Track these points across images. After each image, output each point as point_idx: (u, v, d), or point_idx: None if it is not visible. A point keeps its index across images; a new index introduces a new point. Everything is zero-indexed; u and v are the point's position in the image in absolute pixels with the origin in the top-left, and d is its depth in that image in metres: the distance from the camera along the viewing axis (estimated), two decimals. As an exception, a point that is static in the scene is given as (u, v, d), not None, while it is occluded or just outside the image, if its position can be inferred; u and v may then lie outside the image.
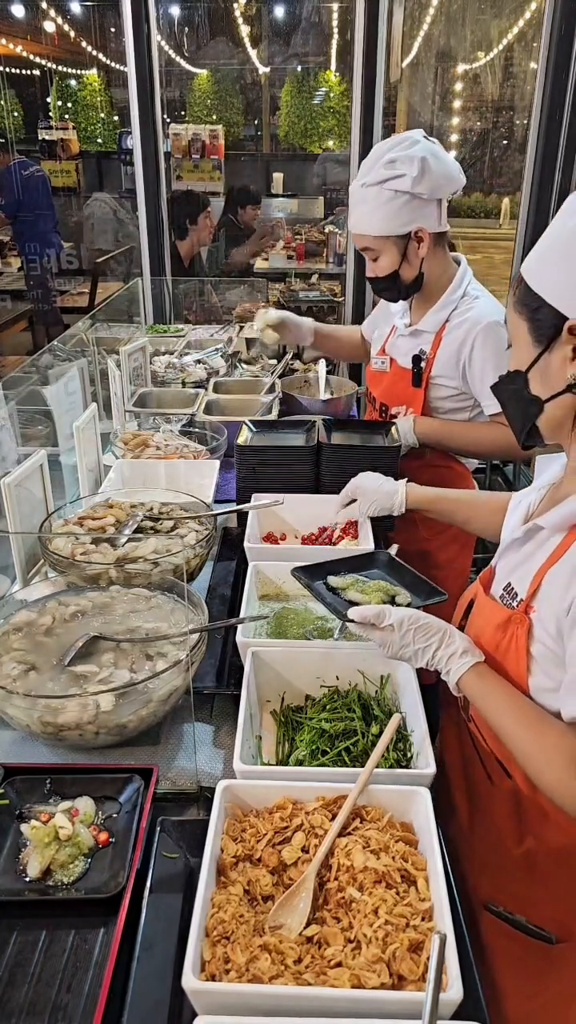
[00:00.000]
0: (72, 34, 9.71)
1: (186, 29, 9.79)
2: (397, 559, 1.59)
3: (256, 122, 11.02)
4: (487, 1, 9.65)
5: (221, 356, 3.24)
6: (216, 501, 2.03)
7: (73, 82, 10.85)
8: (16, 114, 10.24)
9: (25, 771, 1.24)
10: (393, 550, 1.64)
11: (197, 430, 2.42)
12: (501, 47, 10.04)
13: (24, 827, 1.14)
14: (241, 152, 10.55)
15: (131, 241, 6.48)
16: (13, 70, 10.08)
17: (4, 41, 9.39)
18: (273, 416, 2.56)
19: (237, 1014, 0.85)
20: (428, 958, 0.88)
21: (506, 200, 12.80)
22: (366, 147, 3.30)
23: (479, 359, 2.09)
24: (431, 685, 1.37)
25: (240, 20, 9.37)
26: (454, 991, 0.85)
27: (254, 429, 2.18)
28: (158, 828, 1.15)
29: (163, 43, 8.22)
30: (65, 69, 10.67)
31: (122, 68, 4.75)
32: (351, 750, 1.26)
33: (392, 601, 1.43)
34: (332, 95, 10.12)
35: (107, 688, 1.29)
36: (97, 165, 10.37)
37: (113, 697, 1.26)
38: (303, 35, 9.75)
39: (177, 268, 4.43)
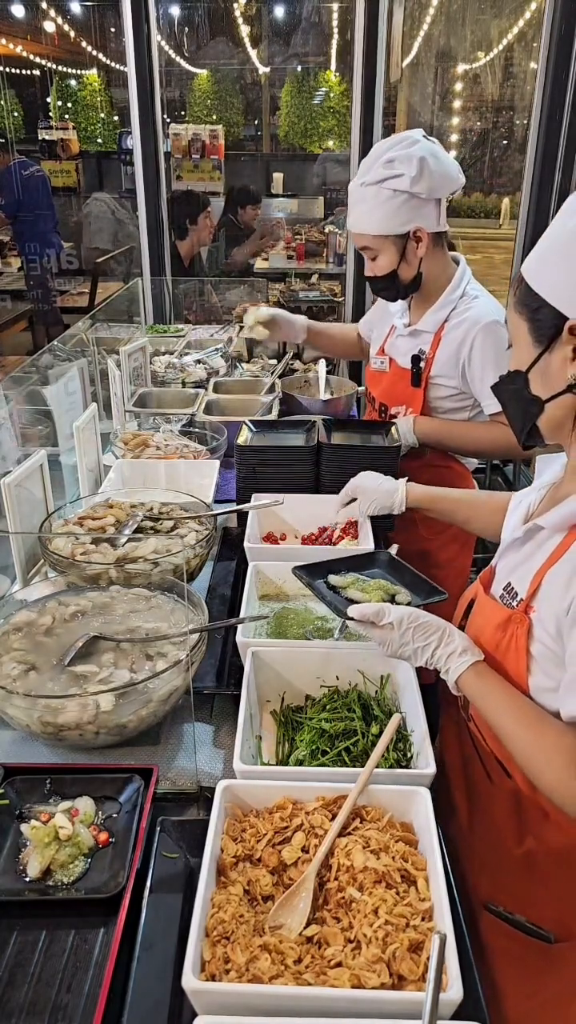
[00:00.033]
0: (72, 34, 9.71)
1: (186, 29, 9.79)
2: (398, 558, 1.60)
3: (256, 122, 11.02)
4: (487, 1, 9.66)
5: (221, 356, 3.24)
6: (216, 501, 2.03)
7: (73, 82, 10.85)
8: (16, 114, 10.24)
9: (25, 771, 1.24)
10: (393, 550, 1.64)
11: (197, 430, 2.42)
12: (501, 47, 10.05)
13: (24, 827, 1.14)
14: (241, 152, 10.55)
15: (129, 240, 6.48)
16: (13, 70, 10.08)
17: (4, 41, 9.39)
18: (273, 416, 2.56)
19: (237, 1014, 0.85)
20: (428, 958, 0.88)
21: (506, 200, 12.82)
22: (366, 147, 3.30)
23: (478, 359, 2.09)
24: (431, 685, 1.37)
25: (240, 20, 9.37)
26: (454, 991, 0.85)
27: (254, 429, 2.18)
28: (158, 828, 1.15)
29: (163, 43, 8.22)
30: (65, 69, 10.67)
31: (122, 68, 4.75)
32: (351, 750, 1.26)
33: (392, 600, 1.44)
34: (332, 95, 10.12)
35: (107, 688, 1.29)
36: (97, 165, 10.37)
37: (113, 697, 1.26)
38: (303, 35, 9.75)
39: (177, 268, 4.43)
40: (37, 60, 10.07)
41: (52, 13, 9.23)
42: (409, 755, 1.26)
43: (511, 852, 1.28)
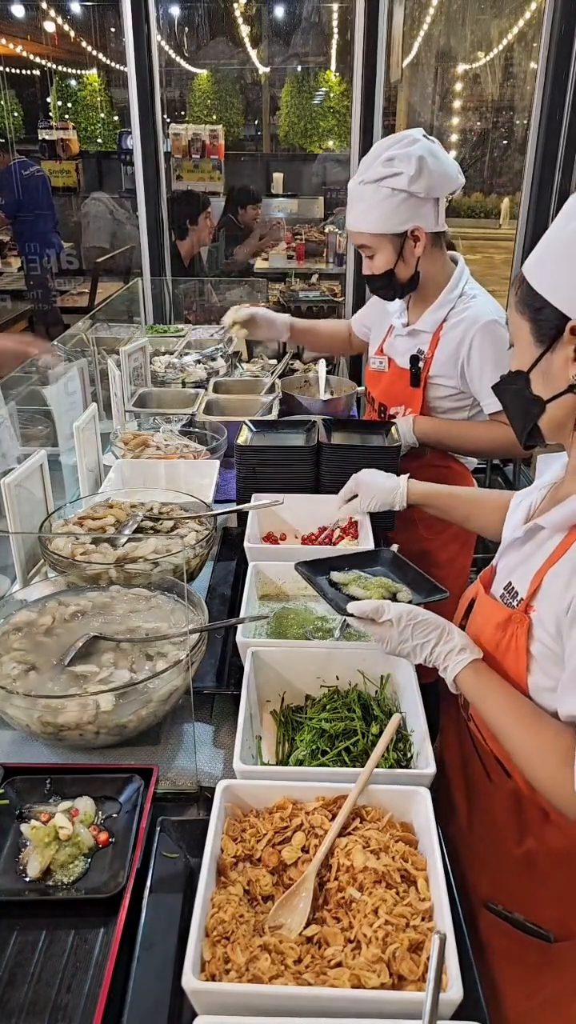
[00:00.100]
0: (72, 34, 9.71)
1: (186, 29, 9.79)
2: (401, 557, 1.59)
3: (256, 122, 11.02)
4: (487, 1, 9.66)
5: (221, 356, 3.24)
6: (216, 501, 2.03)
7: (73, 82, 10.85)
8: (16, 114, 10.23)
9: (25, 771, 1.24)
10: (393, 549, 1.64)
11: (197, 430, 2.42)
12: (501, 47, 10.06)
13: (24, 827, 1.14)
14: (241, 152, 10.55)
15: (127, 240, 6.48)
16: (13, 70, 10.08)
17: (4, 41, 9.39)
18: (273, 416, 2.56)
19: (237, 1014, 0.85)
20: (428, 958, 0.88)
21: (506, 200, 12.82)
22: (366, 147, 3.29)
23: (477, 358, 2.09)
24: (431, 684, 1.37)
25: (240, 20, 9.37)
26: (454, 991, 0.85)
27: (254, 429, 2.18)
28: (158, 828, 1.15)
29: (163, 43, 8.22)
30: (65, 69, 10.67)
31: (122, 68, 4.75)
32: (351, 750, 1.26)
33: (393, 598, 1.43)
34: (332, 95, 10.12)
35: (107, 688, 1.29)
36: (97, 165, 10.36)
37: (113, 697, 1.26)
38: (303, 35, 9.75)
39: (177, 268, 4.43)
40: (37, 60, 10.07)
41: (52, 13, 9.22)
42: (409, 755, 1.26)
43: (511, 852, 1.28)
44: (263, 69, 10.37)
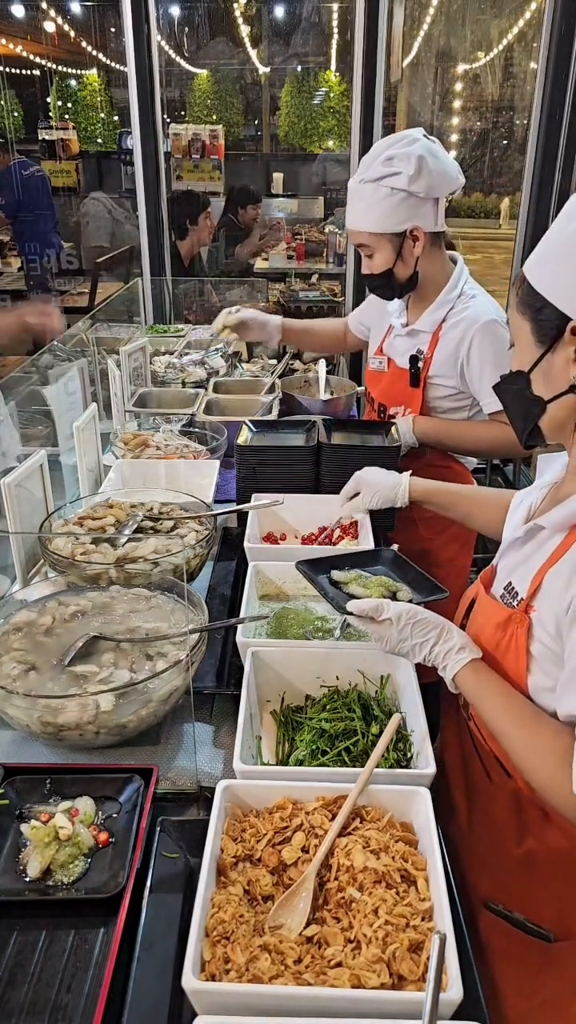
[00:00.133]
0: (72, 34, 9.72)
1: (186, 29, 9.80)
2: (402, 556, 1.59)
3: (256, 122, 11.03)
4: (487, 1, 9.66)
5: (221, 356, 3.24)
6: (216, 501, 2.03)
7: (73, 82, 10.86)
8: (16, 114, 10.24)
9: (25, 771, 1.24)
10: (394, 549, 1.64)
11: (197, 430, 2.42)
12: (501, 47, 10.07)
13: (24, 827, 1.14)
14: (241, 152, 10.56)
15: (126, 240, 6.48)
16: (13, 70, 10.08)
17: (4, 41, 9.39)
18: (273, 416, 2.56)
19: (237, 1014, 0.85)
20: (428, 958, 0.88)
21: (506, 200, 12.83)
22: (366, 147, 3.29)
23: (477, 358, 2.09)
24: (431, 684, 1.37)
25: (240, 20, 9.38)
26: (454, 991, 0.85)
27: (254, 429, 2.18)
28: (158, 828, 1.15)
29: (163, 43, 8.22)
30: (65, 69, 10.68)
31: (122, 68, 4.75)
32: (351, 750, 1.26)
33: (393, 597, 1.43)
34: (332, 95, 10.12)
35: (107, 688, 1.29)
36: (97, 165, 10.37)
37: (113, 697, 1.26)
38: (303, 35, 9.76)
39: (177, 268, 4.43)
40: (37, 60, 10.07)
41: (52, 13, 9.23)
42: (409, 755, 1.26)
43: (511, 852, 1.28)
44: (263, 69, 10.38)
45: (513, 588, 1.26)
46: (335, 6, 9.31)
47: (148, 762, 1.31)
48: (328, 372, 2.95)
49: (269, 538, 1.91)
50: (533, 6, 8.70)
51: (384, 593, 1.43)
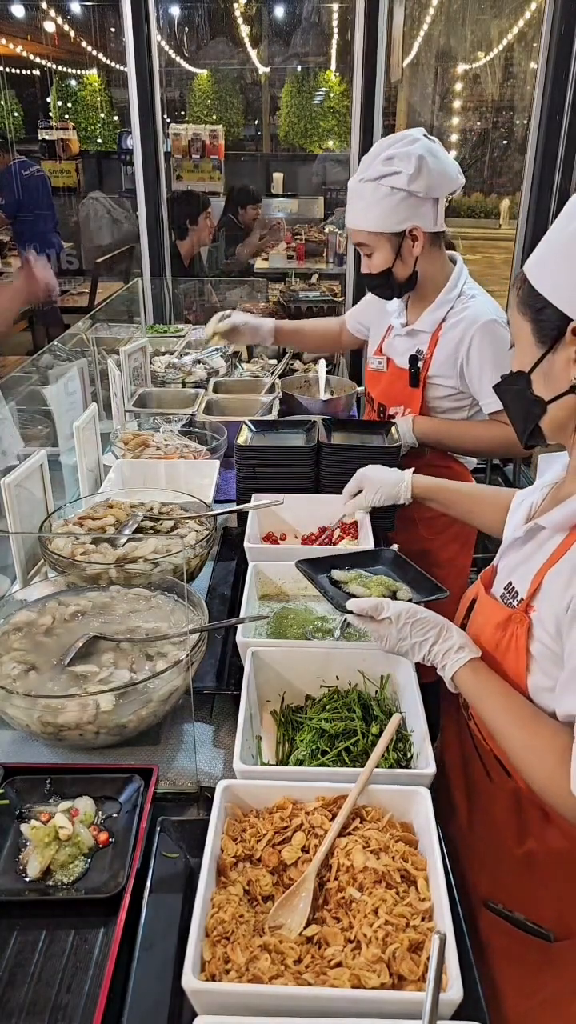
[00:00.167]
0: (72, 34, 9.73)
1: (186, 29, 9.80)
2: (402, 556, 1.60)
3: (256, 122, 11.03)
4: (487, 1, 9.66)
5: (221, 356, 3.24)
6: (216, 501, 2.03)
7: (73, 82, 10.87)
8: (16, 114, 10.25)
9: (25, 771, 1.24)
10: (394, 549, 1.64)
11: (197, 430, 2.42)
12: (501, 47, 10.07)
13: (24, 827, 1.14)
14: (241, 152, 10.56)
15: (126, 240, 6.48)
16: (13, 70, 10.09)
17: (4, 41, 9.40)
18: (273, 416, 2.56)
19: (237, 1014, 0.85)
20: (428, 958, 0.88)
21: (506, 200, 12.84)
22: (366, 147, 3.29)
23: (476, 358, 2.09)
24: (431, 684, 1.37)
25: (240, 20, 9.38)
26: (454, 991, 0.85)
27: (254, 429, 2.18)
28: (158, 828, 1.15)
29: (163, 43, 8.22)
30: (65, 69, 10.68)
31: (122, 68, 4.76)
32: (351, 750, 1.26)
33: (393, 596, 1.43)
34: (332, 95, 10.13)
35: (107, 688, 1.29)
36: (97, 165, 10.38)
37: (113, 697, 1.26)
38: (303, 35, 9.76)
39: (177, 268, 4.43)
40: (37, 60, 10.08)
41: (52, 13, 9.23)
42: (409, 755, 1.26)
43: (511, 852, 1.28)
44: (263, 69, 10.38)
45: (513, 588, 1.26)
46: (335, 6, 9.32)
47: (148, 762, 1.31)
48: (328, 372, 2.95)
49: (269, 538, 1.91)
50: (533, 6, 8.71)
51: (384, 593, 1.43)
